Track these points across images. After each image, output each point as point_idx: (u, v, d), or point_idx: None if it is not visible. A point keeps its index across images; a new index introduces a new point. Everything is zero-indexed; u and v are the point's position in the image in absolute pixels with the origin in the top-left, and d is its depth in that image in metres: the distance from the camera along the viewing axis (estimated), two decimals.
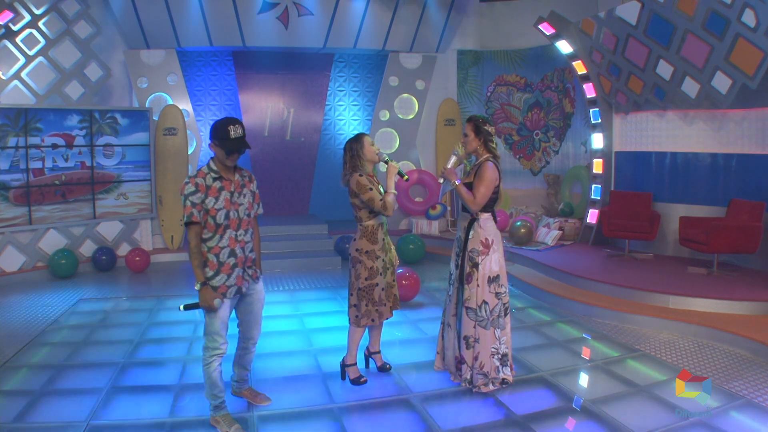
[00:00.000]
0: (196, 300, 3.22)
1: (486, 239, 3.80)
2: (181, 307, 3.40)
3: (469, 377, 3.85)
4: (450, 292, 4.01)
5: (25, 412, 3.59)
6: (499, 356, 3.84)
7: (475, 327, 3.79)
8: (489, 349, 3.79)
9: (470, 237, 3.81)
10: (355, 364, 4.07)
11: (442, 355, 4.13)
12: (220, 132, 3.11)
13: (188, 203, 3.09)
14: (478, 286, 3.78)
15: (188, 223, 3.12)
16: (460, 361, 3.90)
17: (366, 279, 3.84)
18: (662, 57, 6.90)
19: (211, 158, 3.22)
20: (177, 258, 8.48)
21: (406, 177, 3.94)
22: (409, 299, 6.00)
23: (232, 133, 3.10)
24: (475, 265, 3.78)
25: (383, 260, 3.90)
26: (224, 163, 3.17)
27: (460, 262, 3.89)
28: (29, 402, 3.72)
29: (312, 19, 9.01)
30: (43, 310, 5.94)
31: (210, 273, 3.17)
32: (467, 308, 3.81)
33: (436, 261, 8.43)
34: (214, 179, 3.16)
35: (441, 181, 3.97)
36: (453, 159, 3.92)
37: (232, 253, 3.22)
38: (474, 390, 3.82)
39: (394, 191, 3.81)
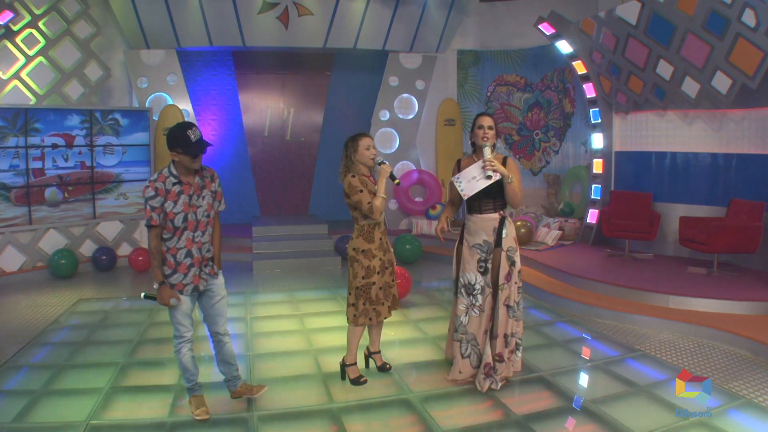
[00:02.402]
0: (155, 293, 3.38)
1: (515, 236, 3.86)
2: (142, 295, 3.56)
3: (502, 374, 3.86)
4: (478, 302, 3.82)
5: (25, 412, 3.59)
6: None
7: (511, 323, 3.83)
8: (516, 340, 3.91)
9: (504, 236, 3.78)
10: (355, 363, 4.06)
11: (477, 364, 3.90)
12: (181, 140, 3.16)
13: (148, 207, 3.19)
14: (515, 283, 3.82)
15: (148, 226, 3.23)
16: (498, 360, 3.82)
17: (363, 278, 3.85)
18: (662, 57, 6.90)
19: (172, 162, 3.26)
20: None
21: (398, 181, 3.83)
22: (400, 298, 5.95)
23: (192, 137, 3.17)
24: (513, 263, 3.80)
25: (381, 259, 3.89)
26: (190, 166, 3.22)
27: (490, 266, 3.79)
28: (29, 402, 3.72)
29: (312, 19, 9.02)
30: (43, 310, 5.94)
31: (168, 271, 3.31)
32: (507, 306, 3.80)
33: (433, 261, 8.43)
34: (174, 183, 3.23)
35: (491, 174, 3.61)
36: (488, 149, 3.70)
37: (189, 254, 3.32)
38: (500, 386, 3.83)
39: (383, 195, 3.76)
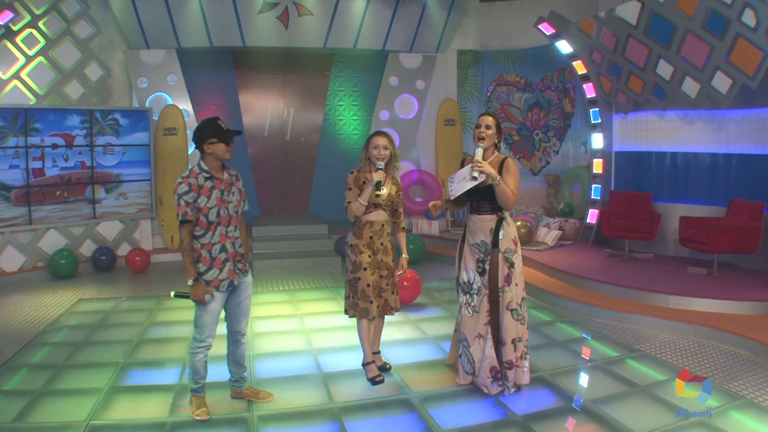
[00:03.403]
0: (186, 290, 3.36)
1: (515, 237, 3.81)
2: (172, 294, 3.55)
3: (514, 379, 3.81)
4: (473, 302, 3.80)
5: (25, 412, 3.59)
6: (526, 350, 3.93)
7: (517, 327, 3.78)
8: (524, 346, 3.84)
9: (501, 237, 3.73)
10: (372, 362, 4.07)
11: (471, 370, 3.88)
12: (212, 129, 3.26)
13: (182, 202, 3.23)
14: (516, 285, 3.76)
15: (182, 222, 3.25)
16: (507, 368, 3.77)
17: (351, 272, 3.93)
18: (662, 57, 6.90)
19: (201, 159, 3.34)
20: (177, 258, 8.47)
21: (378, 192, 3.76)
22: (410, 301, 5.96)
23: (223, 125, 3.29)
24: (512, 265, 3.75)
25: (370, 257, 3.89)
26: (224, 156, 3.30)
27: (488, 267, 3.75)
28: (29, 402, 3.72)
29: (312, 19, 9.01)
30: (43, 310, 5.94)
31: (203, 268, 3.32)
32: (511, 310, 3.75)
33: (436, 261, 8.43)
34: (206, 179, 3.30)
35: (476, 175, 3.57)
36: (480, 151, 3.67)
37: (223, 249, 3.36)
38: (515, 390, 3.79)
39: (361, 201, 3.77)
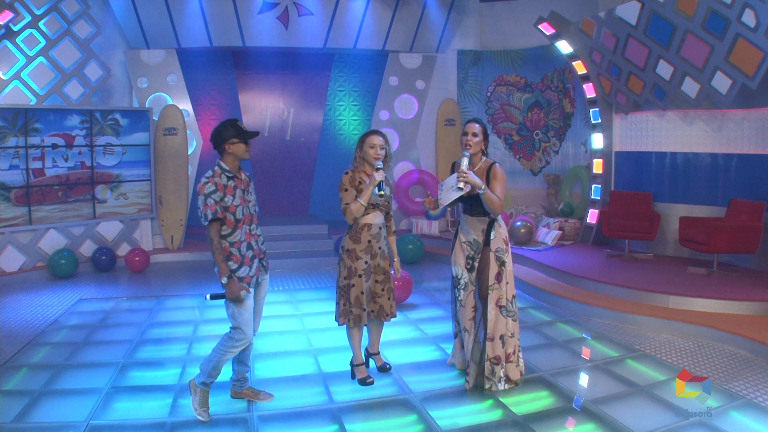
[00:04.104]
0: (221, 291, 3.36)
1: (506, 237, 3.86)
2: (208, 297, 3.53)
3: (502, 375, 3.84)
4: (460, 296, 3.89)
5: (25, 412, 3.59)
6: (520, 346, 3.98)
7: (507, 323, 3.82)
8: (517, 340, 3.89)
9: (492, 237, 3.79)
10: (362, 364, 4.06)
11: (461, 358, 4.10)
12: (233, 130, 3.35)
13: (210, 201, 3.27)
14: (507, 283, 3.81)
15: (212, 220, 3.27)
16: (495, 363, 3.81)
17: (345, 278, 3.85)
18: (662, 57, 6.90)
19: (220, 160, 3.39)
20: (177, 258, 8.48)
21: (381, 193, 3.73)
22: (402, 301, 5.91)
23: (243, 126, 3.40)
24: (503, 264, 3.80)
25: (367, 263, 3.84)
26: (243, 156, 3.38)
27: (477, 265, 3.82)
28: (29, 402, 3.72)
29: (312, 19, 9.02)
30: (43, 310, 5.94)
31: (234, 266, 3.35)
32: (500, 307, 3.80)
33: (435, 261, 8.42)
34: (228, 179, 3.36)
35: (461, 186, 3.58)
36: (466, 160, 3.69)
37: (250, 246, 3.43)
38: (506, 387, 3.83)
39: (362, 201, 3.71)
